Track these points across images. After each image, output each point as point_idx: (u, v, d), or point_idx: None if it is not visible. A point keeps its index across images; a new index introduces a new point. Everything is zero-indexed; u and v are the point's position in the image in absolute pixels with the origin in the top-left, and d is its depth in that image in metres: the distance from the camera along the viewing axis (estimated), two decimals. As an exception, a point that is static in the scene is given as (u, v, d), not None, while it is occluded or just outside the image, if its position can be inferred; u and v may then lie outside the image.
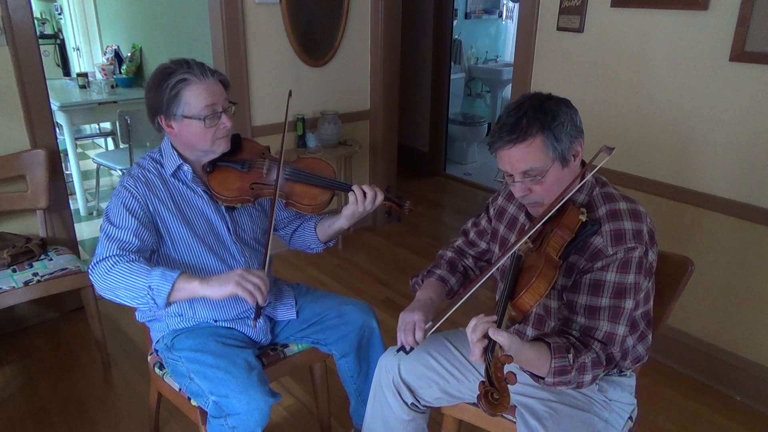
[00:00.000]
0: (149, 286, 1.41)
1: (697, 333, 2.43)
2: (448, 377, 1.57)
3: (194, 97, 1.51)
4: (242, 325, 1.70)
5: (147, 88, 1.56)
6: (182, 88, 1.50)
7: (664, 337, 2.38)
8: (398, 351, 1.48)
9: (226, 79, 1.60)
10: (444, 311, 1.36)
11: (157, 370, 1.74)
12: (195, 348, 1.59)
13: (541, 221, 1.29)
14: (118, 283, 1.43)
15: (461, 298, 1.33)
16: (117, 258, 1.46)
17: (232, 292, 1.41)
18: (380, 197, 1.65)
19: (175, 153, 1.61)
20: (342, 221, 1.72)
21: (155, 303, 1.42)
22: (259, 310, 1.48)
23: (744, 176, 2.18)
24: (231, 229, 1.68)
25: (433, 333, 1.42)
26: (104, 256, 1.47)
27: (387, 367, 1.60)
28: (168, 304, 1.43)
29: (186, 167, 1.61)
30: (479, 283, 1.34)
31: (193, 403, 1.60)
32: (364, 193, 1.63)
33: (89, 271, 1.49)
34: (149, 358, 1.80)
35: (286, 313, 1.79)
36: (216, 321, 1.68)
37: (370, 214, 1.70)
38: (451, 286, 1.63)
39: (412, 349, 1.44)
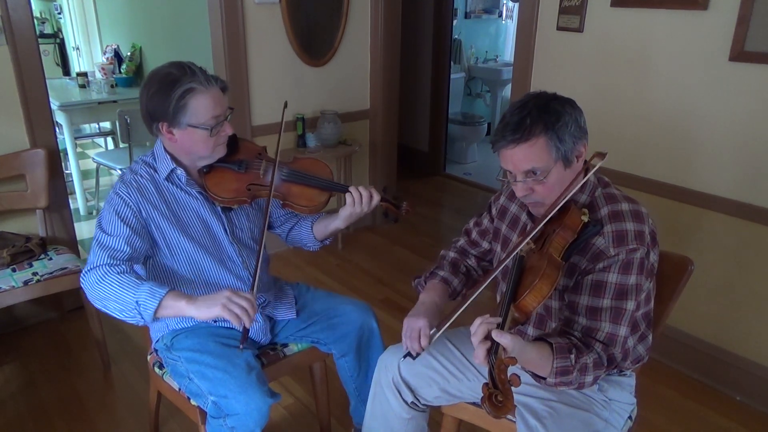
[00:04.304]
0: (136, 302, 1.41)
1: (697, 333, 2.43)
2: (448, 376, 1.57)
3: (202, 108, 1.50)
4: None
5: (148, 94, 1.52)
6: (190, 99, 1.49)
7: (664, 337, 2.37)
8: (405, 357, 1.47)
9: (226, 86, 1.59)
10: (448, 315, 1.36)
11: (156, 369, 1.74)
12: (194, 348, 1.59)
13: (543, 222, 1.29)
14: (108, 294, 1.43)
15: (465, 302, 1.33)
16: (107, 268, 1.46)
17: (218, 315, 1.40)
18: (376, 198, 1.65)
19: (168, 157, 1.60)
20: (339, 222, 1.72)
21: (142, 318, 1.42)
22: (246, 333, 1.46)
23: (744, 176, 2.18)
24: (227, 229, 1.68)
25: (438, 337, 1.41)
26: (94, 265, 1.47)
27: (387, 365, 1.60)
28: (155, 319, 1.43)
29: (179, 171, 1.60)
30: (483, 286, 1.34)
31: (193, 402, 1.60)
32: (361, 195, 1.63)
33: (81, 278, 1.49)
34: (149, 357, 1.79)
35: (285, 312, 1.79)
36: (215, 321, 1.68)
37: (370, 214, 1.70)
38: (455, 287, 1.62)
39: (418, 354, 1.44)
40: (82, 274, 1.49)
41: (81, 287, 1.49)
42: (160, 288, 1.43)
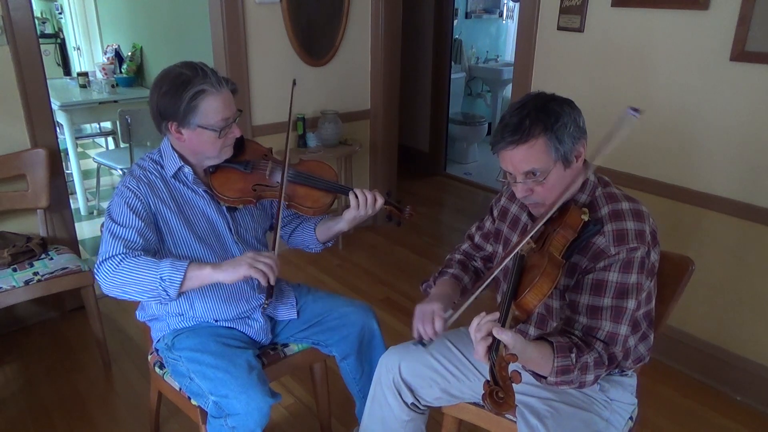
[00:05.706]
0: (161, 277, 1.40)
1: (697, 333, 2.43)
2: (449, 377, 1.57)
3: (213, 109, 1.51)
4: (243, 324, 1.70)
5: (160, 93, 1.52)
6: (201, 100, 1.50)
7: (664, 336, 2.38)
8: (416, 344, 1.44)
9: (236, 88, 1.60)
10: (462, 302, 1.35)
11: (157, 369, 1.74)
12: (195, 348, 1.59)
13: (544, 219, 1.30)
14: (127, 279, 1.42)
15: (477, 289, 1.33)
16: (123, 256, 1.45)
17: (245, 275, 1.42)
18: (380, 201, 1.65)
19: (176, 155, 1.60)
20: (342, 224, 1.73)
21: (167, 294, 1.42)
22: (271, 290, 1.48)
23: (744, 176, 2.18)
24: (232, 228, 1.68)
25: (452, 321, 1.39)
26: (111, 255, 1.45)
27: (387, 366, 1.60)
28: (179, 294, 1.43)
29: (187, 169, 1.61)
30: (494, 275, 1.35)
31: (194, 402, 1.60)
32: (366, 198, 1.63)
33: (95, 270, 1.47)
34: (149, 357, 1.80)
35: (286, 312, 1.79)
36: (216, 321, 1.68)
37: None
38: (465, 284, 1.62)
39: (431, 341, 1.41)
40: (96, 267, 1.47)
41: (92, 280, 1.48)
42: (181, 261, 1.43)
